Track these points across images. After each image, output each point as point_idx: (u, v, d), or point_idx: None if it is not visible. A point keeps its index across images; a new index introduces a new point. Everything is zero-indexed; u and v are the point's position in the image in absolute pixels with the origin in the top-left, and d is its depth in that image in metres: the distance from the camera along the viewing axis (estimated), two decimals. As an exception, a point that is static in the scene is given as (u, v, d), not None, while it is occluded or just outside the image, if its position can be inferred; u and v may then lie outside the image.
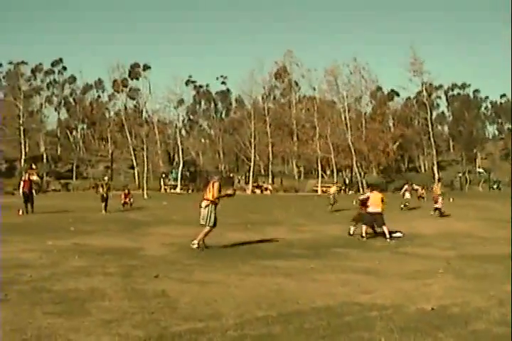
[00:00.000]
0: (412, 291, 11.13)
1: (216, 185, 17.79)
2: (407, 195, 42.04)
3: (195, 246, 17.29)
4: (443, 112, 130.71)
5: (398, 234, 21.74)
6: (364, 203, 22.34)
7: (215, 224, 17.69)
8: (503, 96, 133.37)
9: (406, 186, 43.85)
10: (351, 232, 22.21)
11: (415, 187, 45.75)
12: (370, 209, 21.83)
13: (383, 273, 13.41)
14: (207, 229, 17.59)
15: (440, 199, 33.60)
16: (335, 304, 9.79)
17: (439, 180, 50.10)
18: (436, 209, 33.51)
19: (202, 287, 11.21)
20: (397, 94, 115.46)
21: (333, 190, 40.44)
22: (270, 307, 9.40)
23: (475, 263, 15.28)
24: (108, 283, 11.34)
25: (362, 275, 13.10)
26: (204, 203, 17.78)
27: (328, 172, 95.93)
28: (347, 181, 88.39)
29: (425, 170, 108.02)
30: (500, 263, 14.99)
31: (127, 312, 8.90)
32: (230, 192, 20.23)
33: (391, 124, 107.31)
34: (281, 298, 10.19)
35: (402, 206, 39.04)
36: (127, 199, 40.10)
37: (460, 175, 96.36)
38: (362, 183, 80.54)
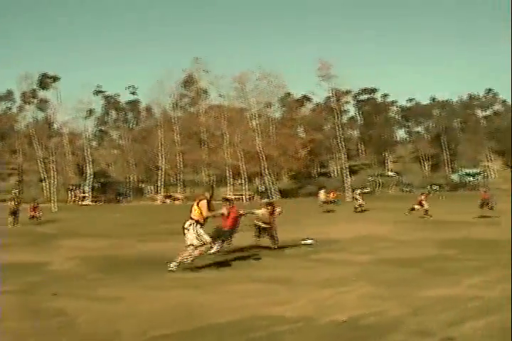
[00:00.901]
0: (325, 301, 10.63)
1: (202, 203, 15.87)
2: (359, 200, 42.81)
3: (174, 268, 15.35)
4: (353, 117, 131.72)
5: (309, 241, 20.91)
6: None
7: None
8: (411, 100, 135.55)
9: (322, 191, 44.25)
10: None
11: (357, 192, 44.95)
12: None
13: (296, 282, 12.85)
14: (199, 249, 15.79)
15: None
16: (243, 318, 9.32)
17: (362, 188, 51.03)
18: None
19: (105, 303, 10.59)
20: (309, 100, 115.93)
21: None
22: (175, 324, 8.95)
23: (391, 268, 14.89)
24: (4, 302, 10.63)
25: (274, 285, 12.55)
26: (188, 223, 15.72)
27: (240, 180, 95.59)
28: (259, 188, 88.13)
29: (337, 174, 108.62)
30: (416, 266, 14.74)
31: (22, 335, 8.33)
32: (223, 211, 18.24)
33: (301, 130, 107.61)
34: (187, 313, 9.69)
35: (356, 207, 41.82)
36: (35, 213, 38.56)
37: (371, 178, 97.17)
38: (272, 190, 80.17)
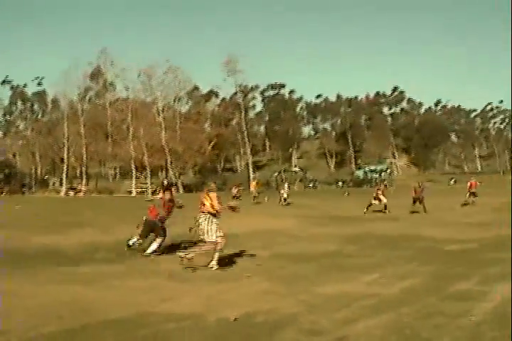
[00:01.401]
0: (216, 297, 10.20)
1: (213, 195, 14.88)
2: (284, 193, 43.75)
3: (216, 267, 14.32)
4: (260, 112, 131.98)
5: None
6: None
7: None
8: (318, 96, 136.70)
9: (234, 188, 44.90)
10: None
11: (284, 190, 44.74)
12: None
13: (190, 278, 12.35)
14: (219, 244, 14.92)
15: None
16: (131, 315, 8.87)
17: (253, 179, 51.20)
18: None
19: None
20: (215, 94, 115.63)
21: None
22: (61, 321, 8.40)
23: (289, 263, 14.57)
24: None
25: (166, 280, 12.03)
26: (202, 216, 14.72)
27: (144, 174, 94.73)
28: (165, 182, 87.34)
29: (242, 169, 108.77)
30: (314, 262, 14.54)
31: None
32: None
33: (208, 124, 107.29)
34: (75, 310, 9.14)
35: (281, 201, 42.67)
36: None
37: (276, 174, 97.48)
38: (177, 184, 79.55)
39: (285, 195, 42.50)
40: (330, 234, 21.83)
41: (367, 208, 33.41)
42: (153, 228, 16.87)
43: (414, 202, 33.58)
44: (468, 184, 40.30)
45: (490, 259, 14.31)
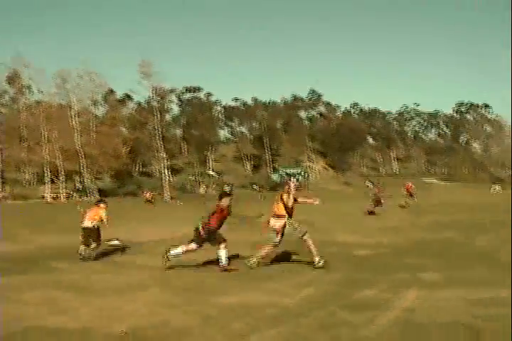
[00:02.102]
0: (110, 310, 9.71)
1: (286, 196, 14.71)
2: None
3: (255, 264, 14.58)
4: (177, 116, 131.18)
5: (115, 242, 19.69)
6: None
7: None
8: (236, 100, 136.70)
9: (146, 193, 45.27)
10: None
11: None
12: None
13: (88, 289, 11.84)
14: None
15: None
16: (18, 330, 8.37)
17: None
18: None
19: None
20: (130, 98, 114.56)
21: None
22: None
23: (190, 272, 14.23)
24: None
25: (64, 291, 11.47)
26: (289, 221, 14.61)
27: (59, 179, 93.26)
28: (77, 187, 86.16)
29: (158, 174, 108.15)
30: (215, 271, 14.23)
31: None
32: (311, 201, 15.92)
33: (124, 128, 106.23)
34: None
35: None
36: None
37: (192, 178, 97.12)
38: (91, 189, 78.67)
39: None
40: (241, 240, 21.39)
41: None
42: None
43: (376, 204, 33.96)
44: (405, 187, 40.89)
45: (398, 265, 14.14)
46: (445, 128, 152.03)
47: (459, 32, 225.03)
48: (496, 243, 18.41)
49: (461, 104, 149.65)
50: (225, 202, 15.51)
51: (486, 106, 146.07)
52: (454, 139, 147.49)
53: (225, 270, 14.16)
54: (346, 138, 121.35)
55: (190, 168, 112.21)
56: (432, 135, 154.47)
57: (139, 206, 41.90)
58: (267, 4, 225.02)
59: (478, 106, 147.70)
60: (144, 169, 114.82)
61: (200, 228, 14.94)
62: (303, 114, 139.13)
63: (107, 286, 12.06)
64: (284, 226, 14.50)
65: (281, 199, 14.80)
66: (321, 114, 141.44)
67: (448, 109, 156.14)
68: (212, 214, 15.33)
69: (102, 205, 19.59)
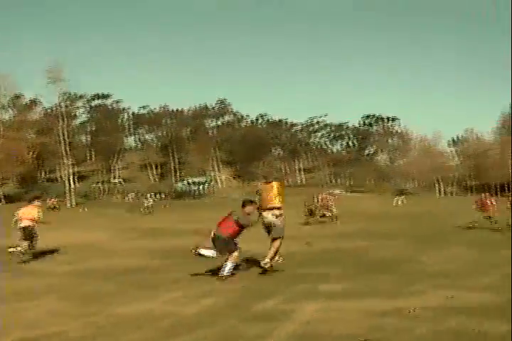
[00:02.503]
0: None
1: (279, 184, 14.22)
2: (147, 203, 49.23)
3: (268, 265, 14.03)
4: (84, 122, 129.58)
5: (17, 249, 19.25)
6: None
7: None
8: (144, 107, 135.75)
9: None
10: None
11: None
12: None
13: None
14: (279, 241, 14.40)
15: None
16: None
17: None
18: None
19: None
20: (35, 103, 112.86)
21: None
22: None
23: (88, 280, 13.88)
24: None
25: None
26: (276, 212, 14.21)
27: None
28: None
29: (64, 180, 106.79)
30: (117, 278, 14.00)
31: None
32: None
33: (31, 133, 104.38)
34: None
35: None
36: None
37: (95, 185, 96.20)
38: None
39: (150, 203, 45.33)
40: (142, 247, 21.36)
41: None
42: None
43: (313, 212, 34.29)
44: (319, 198, 40.56)
45: (301, 275, 13.97)
46: (351, 140, 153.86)
47: (371, 44, 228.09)
48: (399, 253, 18.75)
49: (367, 117, 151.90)
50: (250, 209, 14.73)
51: (394, 119, 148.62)
52: (359, 151, 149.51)
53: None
54: (252, 148, 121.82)
55: (96, 176, 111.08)
56: (338, 146, 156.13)
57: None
58: (175, 7, 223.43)
59: (384, 118, 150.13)
60: (50, 175, 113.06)
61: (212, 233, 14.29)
62: (210, 123, 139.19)
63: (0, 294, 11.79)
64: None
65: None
66: (228, 124, 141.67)
67: (356, 121, 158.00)
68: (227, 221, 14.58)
69: (36, 203, 19.29)
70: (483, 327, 8.38)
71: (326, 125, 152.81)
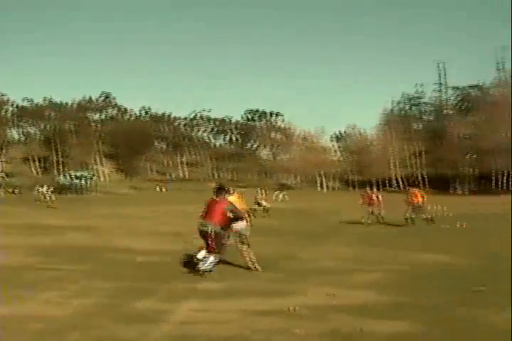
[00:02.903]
0: None
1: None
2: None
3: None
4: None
5: None
6: None
7: None
8: (29, 100, 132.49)
9: None
10: None
11: None
12: None
13: None
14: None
15: None
16: None
17: None
18: None
19: None
20: None
21: None
22: None
23: None
24: None
25: None
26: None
27: None
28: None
29: None
30: None
31: None
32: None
33: None
34: None
35: None
36: None
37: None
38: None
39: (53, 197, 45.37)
40: (21, 244, 20.51)
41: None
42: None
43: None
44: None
45: (180, 273, 13.80)
46: (235, 135, 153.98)
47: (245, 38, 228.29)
48: (279, 250, 18.68)
49: (251, 111, 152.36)
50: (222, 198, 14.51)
51: (277, 114, 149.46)
52: (243, 146, 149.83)
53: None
54: (135, 142, 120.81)
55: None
56: (221, 141, 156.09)
57: None
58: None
59: (267, 114, 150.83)
60: None
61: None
62: (94, 116, 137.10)
63: None
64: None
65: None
66: (111, 117, 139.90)
67: (239, 116, 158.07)
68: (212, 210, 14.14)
69: None
70: (365, 326, 8.42)
71: (209, 119, 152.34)
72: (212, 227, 13.66)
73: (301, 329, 8.31)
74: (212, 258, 13.48)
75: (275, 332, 8.26)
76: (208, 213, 13.97)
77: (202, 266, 13.45)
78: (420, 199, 29.45)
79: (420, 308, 9.92)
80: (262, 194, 39.41)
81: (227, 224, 14.05)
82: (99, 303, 10.35)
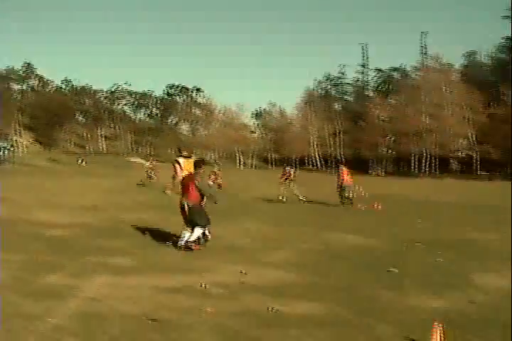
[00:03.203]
0: None
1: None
2: None
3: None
4: None
5: None
6: None
7: None
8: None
9: None
10: None
11: None
12: None
13: None
14: None
15: None
16: None
17: None
18: None
19: None
20: None
21: None
22: None
23: None
24: None
25: None
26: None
27: None
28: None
29: None
30: None
31: None
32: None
33: None
34: None
35: None
36: None
37: None
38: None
39: None
40: None
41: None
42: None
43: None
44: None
45: (91, 247, 13.35)
46: (155, 109, 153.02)
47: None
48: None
49: (171, 86, 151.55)
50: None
51: (198, 89, 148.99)
52: (162, 120, 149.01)
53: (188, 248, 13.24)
54: (55, 114, 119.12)
55: None
56: (141, 115, 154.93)
57: None
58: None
59: (188, 89, 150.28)
60: None
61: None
62: (15, 86, 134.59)
63: None
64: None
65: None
66: (32, 88, 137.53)
67: (161, 91, 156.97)
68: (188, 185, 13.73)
69: None
70: (278, 306, 8.31)
71: (130, 93, 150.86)
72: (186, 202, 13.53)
73: (213, 308, 8.17)
74: (187, 234, 13.38)
75: (186, 311, 8.10)
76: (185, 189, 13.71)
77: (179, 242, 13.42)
78: (350, 177, 29.30)
79: (334, 288, 9.87)
80: None
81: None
82: (7, 277, 9.92)
